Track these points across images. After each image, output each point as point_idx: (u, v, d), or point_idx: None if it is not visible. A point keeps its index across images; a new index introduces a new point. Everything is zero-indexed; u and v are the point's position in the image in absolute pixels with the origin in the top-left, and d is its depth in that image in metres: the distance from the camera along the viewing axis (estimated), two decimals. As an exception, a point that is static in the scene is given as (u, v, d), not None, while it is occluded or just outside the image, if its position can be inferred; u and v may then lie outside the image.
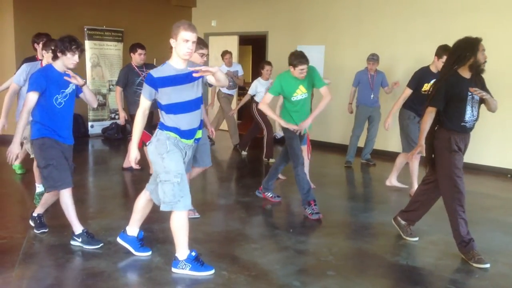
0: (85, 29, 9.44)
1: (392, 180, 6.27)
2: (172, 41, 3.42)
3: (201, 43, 4.38)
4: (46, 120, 3.92)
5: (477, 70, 3.88)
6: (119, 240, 3.93)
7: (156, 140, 3.49)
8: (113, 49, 9.96)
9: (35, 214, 4.40)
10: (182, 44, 3.38)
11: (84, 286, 3.39)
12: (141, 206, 3.83)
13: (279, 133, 8.91)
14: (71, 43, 3.85)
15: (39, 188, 5.12)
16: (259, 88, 7.60)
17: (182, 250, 3.56)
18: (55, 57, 3.93)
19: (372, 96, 7.41)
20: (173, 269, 3.58)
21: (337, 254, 4.05)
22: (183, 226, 3.52)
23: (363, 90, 7.43)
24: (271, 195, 5.53)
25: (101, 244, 4.02)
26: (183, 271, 3.55)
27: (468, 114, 3.90)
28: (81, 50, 3.93)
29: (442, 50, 5.34)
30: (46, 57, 4.71)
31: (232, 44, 10.49)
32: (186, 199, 3.50)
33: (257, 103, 7.46)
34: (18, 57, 8.56)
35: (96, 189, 6.10)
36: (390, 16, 8.20)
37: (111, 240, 4.11)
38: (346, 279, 3.56)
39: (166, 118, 3.50)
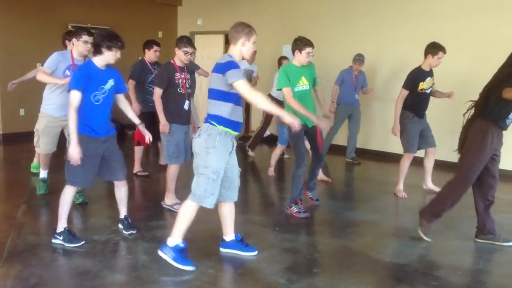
0: (69, 26, 9.34)
1: (399, 185, 5.89)
2: (241, 41, 3.55)
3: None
4: (82, 115, 3.82)
5: None
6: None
7: (207, 135, 3.52)
8: (98, 47, 9.86)
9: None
10: (252, 46, 3.58)
11: (70, 285, 3.37)
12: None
13: (269, 132, 8.79)
14: (117, 39, 3.87)
15: (42, 174, 5.30)
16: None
17: (175, 238, 3.58)
18: (98, 52, 3.87)
19: (355, 96, 7.48)
20: (159, 251, 3.62)
21: (323, 252, 4.09)
22: (190, 216, 3.57)
23: (347, 90, 7.45)
24: (310, 196, 5.39)
25: (82, 242, 3.99)
26: (165, 256, 3.58)
27: None
28: (123, 46, 3.92)
29: (431, 47, 5.47)
30: (76, 45, 4.69)
31: (218, 43, 10.49)
32: (213, 198, 3.56)
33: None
34: (2, 55, 8.46)
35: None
36: (375, 17, 8.26)
37: (96, 239, 4.10)
38: (331, 276, 3.60)
39: (224, 109, 3.53)
